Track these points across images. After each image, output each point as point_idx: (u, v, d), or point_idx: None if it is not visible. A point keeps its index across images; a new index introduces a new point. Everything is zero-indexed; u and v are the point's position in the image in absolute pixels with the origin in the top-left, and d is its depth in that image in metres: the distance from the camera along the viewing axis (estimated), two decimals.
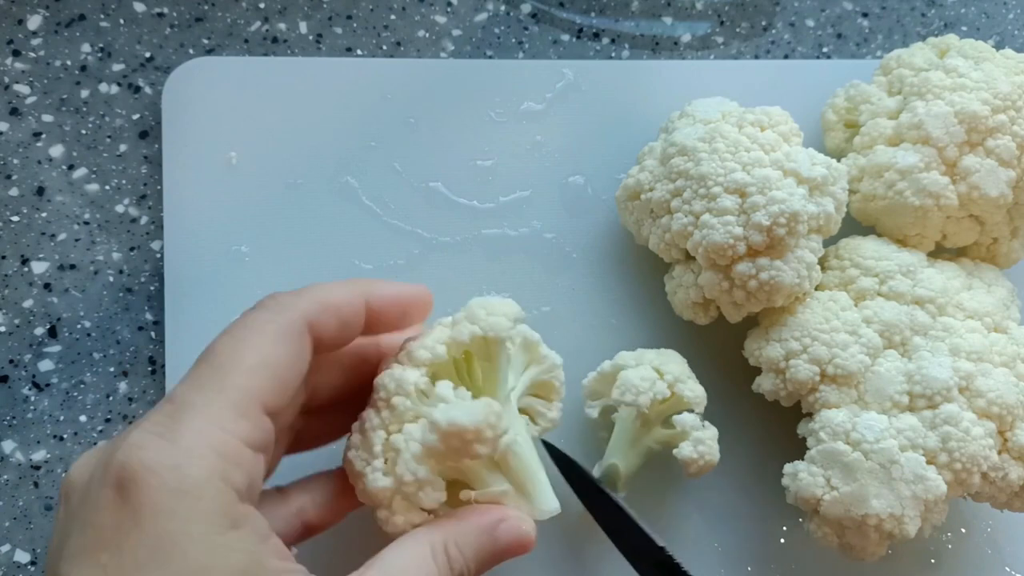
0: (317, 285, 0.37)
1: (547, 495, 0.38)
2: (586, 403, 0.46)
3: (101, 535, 0.29)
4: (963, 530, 0.48)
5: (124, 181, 0.52)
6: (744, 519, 0.48)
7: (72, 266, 0.51)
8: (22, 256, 0.51)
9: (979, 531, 0.48)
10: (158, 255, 0.51)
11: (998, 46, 0.49)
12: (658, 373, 0.44)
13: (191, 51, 0.54)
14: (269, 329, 0.34)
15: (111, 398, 0.50)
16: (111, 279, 0.51)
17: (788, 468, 0.43)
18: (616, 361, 0.45)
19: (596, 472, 0.45)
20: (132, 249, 0.52)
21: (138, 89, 0.54)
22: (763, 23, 0.57)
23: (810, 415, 0.44)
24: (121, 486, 0.29)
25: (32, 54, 0.54)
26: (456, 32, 0.56)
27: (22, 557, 0.47)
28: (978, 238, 0.47)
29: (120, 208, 0.52)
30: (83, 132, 0.53)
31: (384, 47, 0.55)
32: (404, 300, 0.38)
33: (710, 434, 0.44)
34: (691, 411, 0.44)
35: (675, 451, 0.43)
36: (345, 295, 0.36)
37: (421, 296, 0.39)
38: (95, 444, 0.49)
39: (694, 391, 0.44)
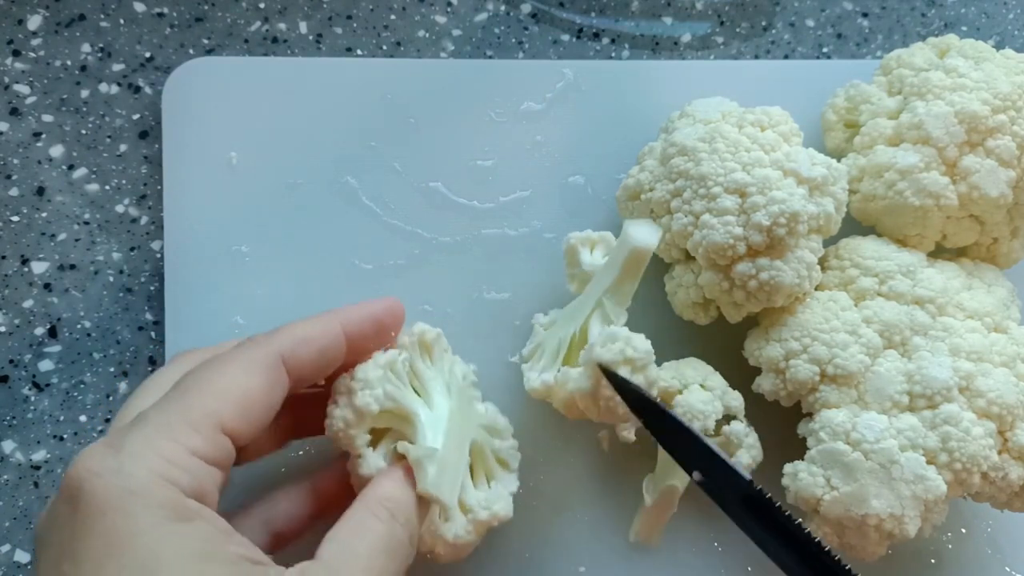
0: (292, 323, 0.39)
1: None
2: (619, 426, 0.45)
3: (61, 548, 0.31)
4: (963, 530, 0.48)
5: (124, 181, 0.52)
6: None
7: (72, 266, 0.51)
8: (22, 256, 0.51)
9: (979, 531, 0.48)
10: (158, 255, 0.51)
11: (998, 46, 0.49)
12: (703, 388, 0.45)
13: (191, 51, 0.54)
14: (239, 360, 0.36)
15: (111, 398, 0.50)
16: (111, 279, 0.51)
17: (788, 468, 0.43)
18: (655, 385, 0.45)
19: (650, 494, 0.46)
20: (132, 249, 0.52)
21: (138, 89, 0.54)
22: (763, 23, 0.57)
23: (810, 415, 0.44)
24: (72, 497, 0.31)
25: (32, 54, 0.54)
26: (456, 32, 0.56)
27: (22, 557, 0.47)
28: (978, 238, 0.47)
29: (120, 208, 0.52)
30: (83, 132, 0.53)
31: (384, 47, 0.55)
32: (377, 317, 0.40)
33: (755, 438, 0.45)
34: (735, 418, 0.45)
35: (731, 461, 0.44)
36: (319, 327, 0.38)
37: (392, 309, 0.41)
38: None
39: (737, 399, 0.45)
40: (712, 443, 0.41)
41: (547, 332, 0.46)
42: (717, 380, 0.45)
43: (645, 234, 0.43)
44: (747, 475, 0.41)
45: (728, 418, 0.45)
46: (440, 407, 0.41)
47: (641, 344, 0.41)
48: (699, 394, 0.44)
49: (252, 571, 0.32)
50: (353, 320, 0.39)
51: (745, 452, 0.44)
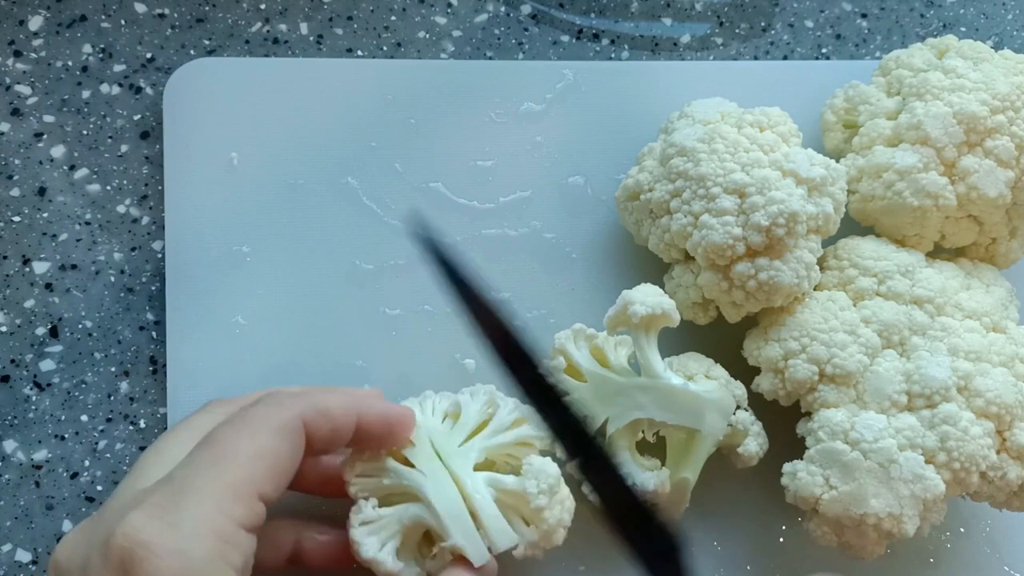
0: (315, 389, 0.39)
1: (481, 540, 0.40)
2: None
3: None
4: (962, 529, 0.48)
5: (125, 181, 0.53)
6: (743, 519, 0.48)
7: (73, 266, 0.51)
8: (23, 256, 0.51)
9: (978, 530, 0.48)
10: (159, 255, 0.52)
11: (997, 47, 0.49)
12: (708, 379, 0.45)
13: (192, 52, 0.55)
14: (267, 423, 0.36)
15: (112, 398, 0.50)
16: (112, 279, 0.51)
17: (787, 467, 0.43)
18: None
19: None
20: (133, 249, 0.52)
21: (139, 90, 0.54)
22: (762, 24, 0.57)
23: (809, 415, 0.44)
24: (124, 569, 0.30)
25: (33, 55, 0.54)
26: (456, 33, 0.56)
27: (23, 556, 0.48)
28: (977, 238, 0.47)
29: (121, 208, 0.52)
30: (84, 132, 0.53)
31: (384, 48, 0.56)
32: (392, 421, 0.40)
33: (760, 427, 0.45)
34: (740, 407, 0.45)
35: (740, 449, 0.44)
36: (340, 405, 0.38)
37: (406, 420, 0.41)
38: (96, 444, 0.49)
39: (740, 389, 0.45)
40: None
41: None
42: (719, 371, 0.45)
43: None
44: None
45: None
46: (434, 469, 0.41)
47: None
48: (705, 385, 0.44)
49: None
50: (370, 415, 0.39)
51: (752, 440, 0.44)
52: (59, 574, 0.33)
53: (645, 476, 0.43)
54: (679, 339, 0.49)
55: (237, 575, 0.32)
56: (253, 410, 0.37)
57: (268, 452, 0.35)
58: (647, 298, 0.43)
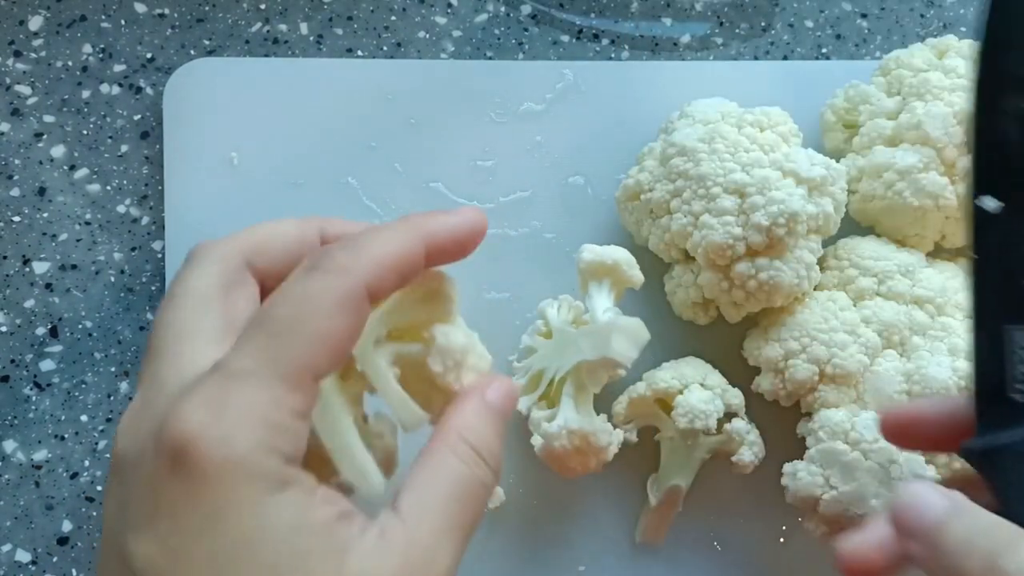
0: (373, 236, 0.34)
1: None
2: (623, 429, 0.45)
3: (159, 507, 0.30)
4: None
5: (125, 181, 0.53)
6: (743, 519, 0.48)
7: (73, 266, 0.51)
8: (23, 256, 0.51)
9: None
10: (159, 255, 0.52)
11: None
12: (703, 388, 0.45)
13: (192, 52, 0.55)
14: (328, 299, 0.32)
15: (112, 398, 0.50)
16: (112, 279, 0.51)
17: (787, 467, 0.43)
18: (652, 383, 0.45)
19: (655, 494, 0.46)
20: (133, 249, 0.52)
21: (139, 90, 0.54)
22: (762, 24, 0.57)
23: (809, 415, 0.44)
24: (174, 459, 0.30)
25: (33, 55, 0.54)
26: (456, 33, 0.56)
27: (23, 556, 0.48)
28: None
29: (121, 208, 0.52)
30: (84, 133, 0.53)
31: (384, 48, 0.56)
32: (462, 235, 0.36)
33: (756, 435, 0.45)
34: (736, 416, 0.45)
35: (735, 458, 0.44)
36: (405, 247, 0.34)
37: (478, 225, 0.37)
38: (96, 444, 0.49)
39: (737, 397, 0.45)
40: None
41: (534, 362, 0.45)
42: (716, 378, 0.45)
43: (625, 348, 0.41)
44: None
45: (729, 416, 0.45)
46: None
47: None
48: (700, 393, 0.44)
49: (337, 535, 0.31)
50: (440, 239, 0.35)
51: (747, 449, 0.44)
52: (119, 464, 0.32)
53: (586, 421, 0.42)
54: (680, 340, 0.49)
55: (288, 463, 0.31)
56: (311, 282, 0.33)
57: (327, 333, 0.32)
58: (599, 249, 0.44)
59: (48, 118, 0.53)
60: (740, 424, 0.44)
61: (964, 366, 0.42)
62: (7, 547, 0.48)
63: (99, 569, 0.32)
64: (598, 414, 0.43)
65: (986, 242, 0.32)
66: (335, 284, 0.32)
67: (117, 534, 0.31)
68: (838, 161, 0.47)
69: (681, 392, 0.44)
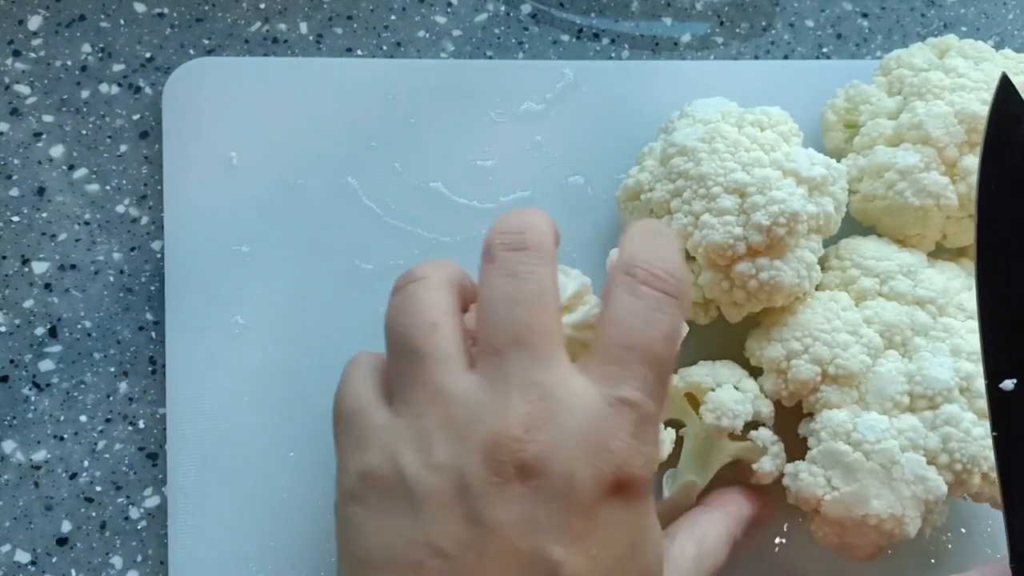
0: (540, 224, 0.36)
1: None
2: None
3: (593, 529, 0.32)
4: (963, 530, 0.48)
5: (124, 181, 0.52)
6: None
7: (72, 266, 0.51)
8: (22, 256, 0.51)
9: (979, 531, 0.48)
10: (158, 255, 0.51)
11: (998, 46, 0.49)
12: (737, 390, 0.44)
13: (191, 51, 0.54)
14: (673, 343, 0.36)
15: (111, 398, 0.50)
16: (111, 279, 0.51)
17: (789, 468, 0.43)
18: (686, 376, 0.45)
19: (669, 487, 0.45)
20: (132, 249, 0.52)
21: (138, 89, 0.54)
22: (763, 24, 0.57)
23: (811, 415, 0.44)
24: (615, 491, 0.32)
25: (32, 54, 0.54)
26: (456, 32, 0.56)
27: (22, 557, 0.47)
28: None
29: (120, 208, 0.52)
30: (83, 132, 0.53)
31: (384, 47, 0.55)
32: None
33: (780, 448, 0.44)
34: (763, 425, 0.45)
35: (755, 466, 0.44)
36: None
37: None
38: (95, 444, 0.49)
39: (768, 407, 0.45)
40: None
41: None
42: (750, 384, 0.45)
43: None
44: None
45: (756, 424, 0.44)
46: None
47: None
48: (732, 393, 0.44)
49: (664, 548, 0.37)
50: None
51: (769, 460, 0.44)
52: (540, 477, 0.32)
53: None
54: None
55: None
56: (667, 324, 0.35)
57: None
58: None
59: (47, 118, 0.53)
60: (766, 433, 0.44)
61: (965, 367, 0.42)
62: (6, 547, 0.48)
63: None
64: None
65: (1007, 421, 0.36)
66: (670, 324, 0.35)
67: (531, 539, 0.31)
68: (839, 161, 0.47)
69: (713, 389, 0.44)
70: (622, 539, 0.32)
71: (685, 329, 0.40)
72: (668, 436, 0.43)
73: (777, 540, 0.47)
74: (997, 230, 0.37)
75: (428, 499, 0.32)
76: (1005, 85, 0.39)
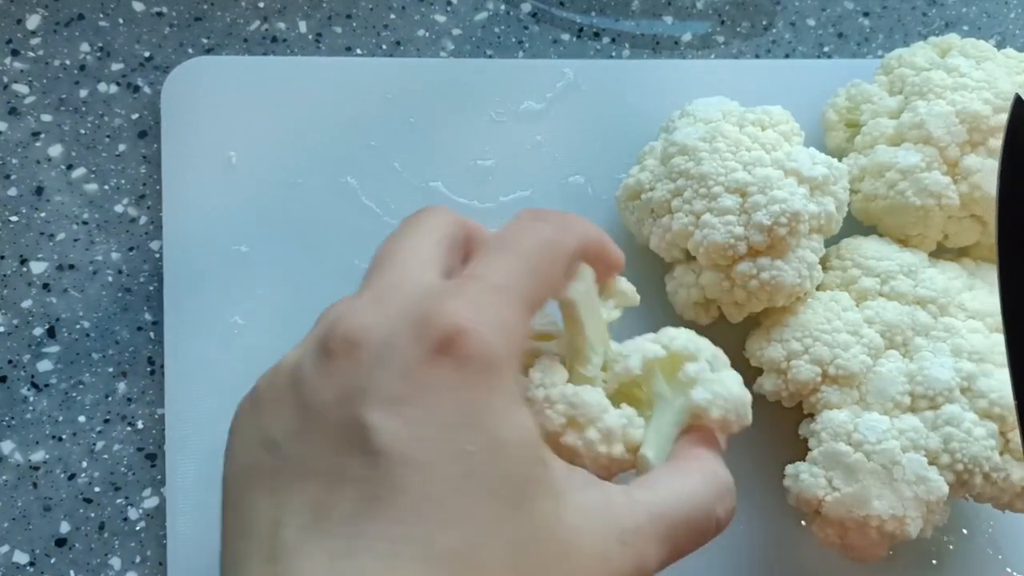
0: (570, 215, 0.38)
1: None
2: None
3: (413, 392, 0.30)
4: (964, 531, 0.48)
5: (123, 181, 0.52)
6: (744, 520, 0.47)
7: (71, 266, 0.51)
8: (21, 256, 0.51)
9: (981, 532, 0.48)
10: (157, 255, 0.51)
11: (999, 45, 0.49)
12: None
13: (190, 50, 0.54)
14: (563, 252, 0.35)
15: (110, 398, 0.49)
16: (110, 279, 0.51)
17: (790, 469, 0.43)
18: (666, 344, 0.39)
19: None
20: (131, 249, 0.51)
21: (137, 89, 0.54)
22: (764, 23, 0.57)
23: (812, 416, 0.44)
24: (441, 346, 0.30)
25: (31, 54, 0.54)
26: (456, 31, 0.56)
27: (21, 558, 0.47)
28: (980, 238, 0.47)
29: (119, 208, 0.52)
30: (82, 132, 0.53)
31: (384, 46, 0.55)
32: (613, 256, 0.39)
33: (726, 376, 0.36)
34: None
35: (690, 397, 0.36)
36: (597, 232, 0.39)
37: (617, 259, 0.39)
38: (94, 445, 0.49)
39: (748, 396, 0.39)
40: None
41: None
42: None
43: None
44: None
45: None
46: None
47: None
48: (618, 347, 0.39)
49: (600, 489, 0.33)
50: (591, 250, 0.38)
51: (702, 389, 0.36)
52: (361, 341, 0.31)
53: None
54: None
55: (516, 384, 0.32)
56: (551, 235, 0.35)
57: (558, 282, 0.35)
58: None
59: (46, 117, 0.53)
60: (692, 367, 0.36)
61: (967, 367, 0.42)
62: (5, 548, 0.47)
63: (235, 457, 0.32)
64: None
65: None
66: (567, 241, 0.36)
67: (356, 406, 0.30)
68: (840, 160, 0.47)
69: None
70: (451, 406, 0.29)
71: (636, 298, 0.40)
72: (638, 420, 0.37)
73: (778, 541, 0.47)
74: (1019, 239, 0.38)
75: (266, 394, 0.32)
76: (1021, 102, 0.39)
